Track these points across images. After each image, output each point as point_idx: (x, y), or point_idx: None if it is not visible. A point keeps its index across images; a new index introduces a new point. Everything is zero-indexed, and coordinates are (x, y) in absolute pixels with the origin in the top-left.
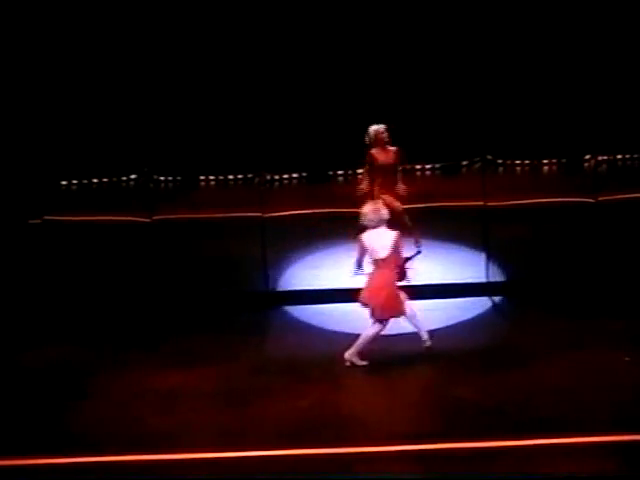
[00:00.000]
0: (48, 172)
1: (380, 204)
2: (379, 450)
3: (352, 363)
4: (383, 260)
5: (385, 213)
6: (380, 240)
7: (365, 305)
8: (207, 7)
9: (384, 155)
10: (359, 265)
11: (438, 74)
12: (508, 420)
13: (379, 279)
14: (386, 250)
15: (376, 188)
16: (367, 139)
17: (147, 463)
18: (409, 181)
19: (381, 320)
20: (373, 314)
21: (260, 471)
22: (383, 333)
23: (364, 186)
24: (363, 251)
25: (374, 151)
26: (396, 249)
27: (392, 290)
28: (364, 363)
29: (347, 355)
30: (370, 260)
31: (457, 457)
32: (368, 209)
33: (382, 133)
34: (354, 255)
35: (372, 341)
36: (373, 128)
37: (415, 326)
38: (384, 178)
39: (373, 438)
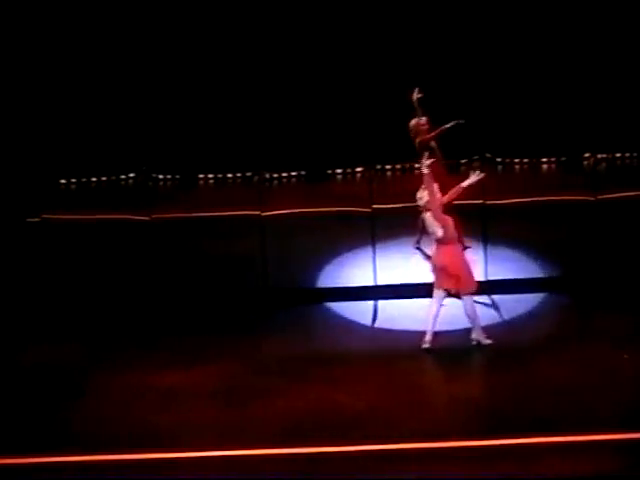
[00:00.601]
0: (47, 170)
1: (435, 187)
2: (379, 449)
3: (479, 342)
4: (442, 239)
5: (440, 196)
6: (431, 224)
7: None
8: (205, 6)
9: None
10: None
11: (436, 73)
12: (508, 420)
13: (447, 259)
14: (438, 233)
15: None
16: (411, 133)
17: (147, 462)
18: (407, 179)
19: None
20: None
21: (260, 470)
22: (385, 327)
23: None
24: (423, 230)
25: (425, 138)
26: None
27: (463, 266)
28: (489, 341)
29: (474, 335)
30: (432, 241)
31: (457, 456)
32: (424, 192)
33: (423, 125)
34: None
35: (477, 314)
36: (413, 121)
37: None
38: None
39: (373, 437)
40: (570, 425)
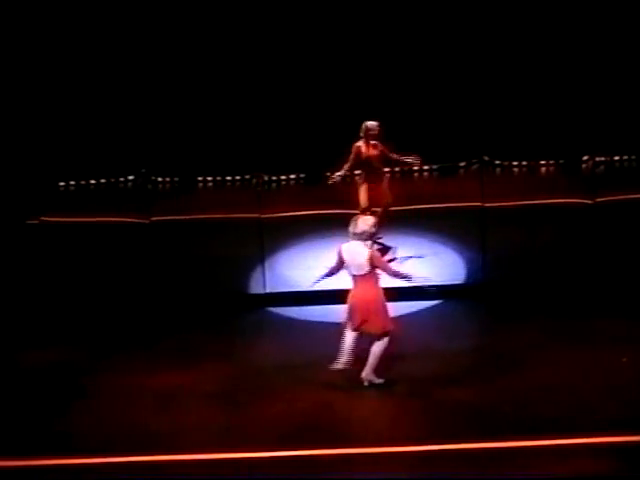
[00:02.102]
0: (46, 173)
1: (373, 219)
2: (377, 451)
3: (370, 382)
4: (361, 276)
5: (374, 229)
6: (356, 257)
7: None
8: (205, 7)
9: (368, 149)
10: (330, 274)
11: (435, 75)
12: (507, 421)
13: (360, 297)
14: (363, 269)
15: (359, 181)
16: (360, 132)
17: (146, 463)
18: (407, 182)
19: (380, 336)
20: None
21: (259, 471)
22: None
23: (337, 176)
24: (340, 263)
25: (359, 143)
26: (374, 266)
27: (375, 307)
28: (381, 381)
29: (364, 375)
30: (348, 273)
31: (456, 458)
32: (359, 221)
33: (372, 130)
34: (329, 264)
35: (383, 357)
36: (366, 123)
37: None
38: (367, 172)
39: (371, 439)
40: (567, 427)
